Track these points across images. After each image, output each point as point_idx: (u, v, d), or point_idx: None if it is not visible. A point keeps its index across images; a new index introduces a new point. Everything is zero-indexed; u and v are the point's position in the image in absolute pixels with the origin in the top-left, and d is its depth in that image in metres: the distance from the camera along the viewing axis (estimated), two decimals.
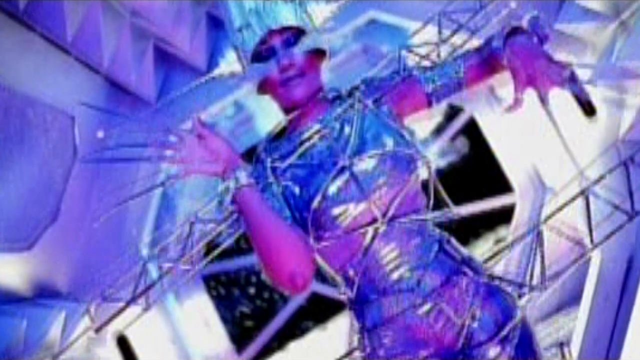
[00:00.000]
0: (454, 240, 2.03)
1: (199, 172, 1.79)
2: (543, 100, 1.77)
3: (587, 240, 4.59)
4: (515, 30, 1.91)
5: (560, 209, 4.62)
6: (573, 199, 4.55)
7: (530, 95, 1.81)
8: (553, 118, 5.94)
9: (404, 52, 5.07)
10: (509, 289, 2.03)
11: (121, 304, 5.35)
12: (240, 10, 1.98)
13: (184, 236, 5.48)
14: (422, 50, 5.13)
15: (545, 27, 1.91)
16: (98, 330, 5.41)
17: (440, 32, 5.29)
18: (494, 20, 5.08)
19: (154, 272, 5.63)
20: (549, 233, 4.50)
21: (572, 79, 1.72)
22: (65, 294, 5.84)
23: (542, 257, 4.37)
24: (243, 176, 1.79)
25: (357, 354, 2.27)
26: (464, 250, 2.03)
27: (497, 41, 1.91)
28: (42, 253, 5.39)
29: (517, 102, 1.81)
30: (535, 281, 4.34)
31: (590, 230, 4.47)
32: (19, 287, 5.34)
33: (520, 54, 1.83)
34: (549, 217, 4.62)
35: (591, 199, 4.45)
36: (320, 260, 1.95)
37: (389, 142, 1.93)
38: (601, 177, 4.51)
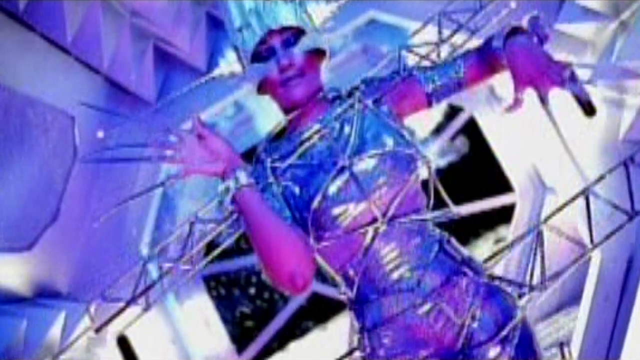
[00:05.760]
0: (454, 240, 2.03)
1: (199, 172, 1.79)
2: (543, 100, 1.77)
3: (587, 240, 4.59)
4: (515, 30, 1.91)
5: (560, 209, 4.62)
6: (573, 199, 4.54)
7: (530, 95, 1.81)
8: (553, 118, 5.93)
9: (403, 52, 5.07)
10: (509, 289, 2.03)
11: (121, 304, 5.34)
12: (240, 10, 1.98)
13: (184, 236, 5.47)
14: (422, 50, 5.12)
15: (545, 27, 1.91)
16: (98, 330, 5.40)
17: (440, 32, 5.29)
18: (494, 20, 5.07)
19: (154, 272, 5.62)
20: (549, 233, 4.49)
21: (572, 79, 1.73)
22: (65, 294, 5.84)
23: (542, 257, 4.36)
24: (243, 176, 1.79)
25: (357, 354, 2.27)
26: (464, 250, 2.03)
27: (497, 41, 1.91)
28: (42, 253, 5.39)
29: (517, 102, 1.82)
30: (535, 281, 4.34)
31: (590, 230, 4.47)
32: (18, 287, 5.33)
33: (520, 54, 1.84)
34: (549, 217, 4.61)
35: (591, 199, 4.45)
36: (320, 260, 1.96)
37: (389, 142, 1.93)
38: (601, 177, 4.51)
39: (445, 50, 5.22)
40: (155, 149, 1.76)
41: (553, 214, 4.63)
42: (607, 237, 4.47)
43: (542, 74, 1.76)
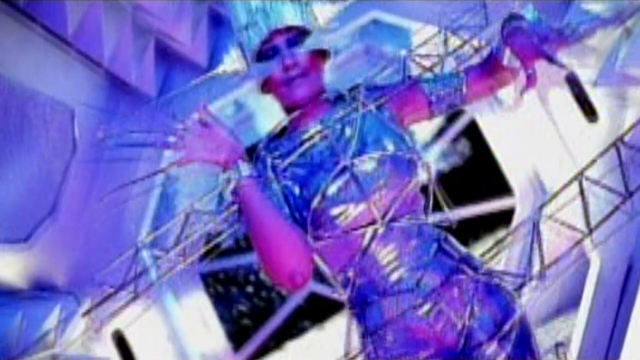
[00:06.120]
0: (452, 239, 2.03)
1: (200, 160, 1.79)
2: (552, 60, 1.79)
3: (587, 241, 4.59)
4: (516, 30, 1.91)
5: (560, 209, 4.62)
6: (573, 199, 4.54)
7: (530, 95, 1.81)
8: (553, 118, 5.94)
9: (403, 52, 5.08)
10: (509, 287, 2.03)
11: (120, 303, 5.35)
12: (244, 9, 1.98)
13: (183, 235, 5.48)
14: (422, 51, 5.14)
15: (545, 27, 1.91)
16: (97, 329, 5.41)
17: (440, 32, 5.29)
18: (494, 21, 5.08)
19: (152, 271, 5.62)
20: (549, 233, 4.50)
21: (573, 80, 1.73)
22: (63, 292, 5.84)
23: (542, 257, 4.37)
24: (245, 167, 1.79)
25: (355, 353, 2.27)
26: (462, 249, 2.03)
27: (497, 41, 1.92)
28: (41, 251, 5.39)
29: (517, 102, 1.82)
30: (534, 282, 4.34)
31: (590, 230, 4.47)
32: (17, 285, 5.33)
33: (520, 54, 1.84)
34: (549, 217, 4.62)
35: (591, 199, 4.45)
36: (320, 262, 1.96)
37: (389, 145, 1.93)
38: (601, 177, 4.51)
39: (444, 51, 5.23)
40: (159, 135, 1.77)
41: (553, 214, 4.64)
42: (608, 237, 4.47)
43: (541, 74, 1.77)
